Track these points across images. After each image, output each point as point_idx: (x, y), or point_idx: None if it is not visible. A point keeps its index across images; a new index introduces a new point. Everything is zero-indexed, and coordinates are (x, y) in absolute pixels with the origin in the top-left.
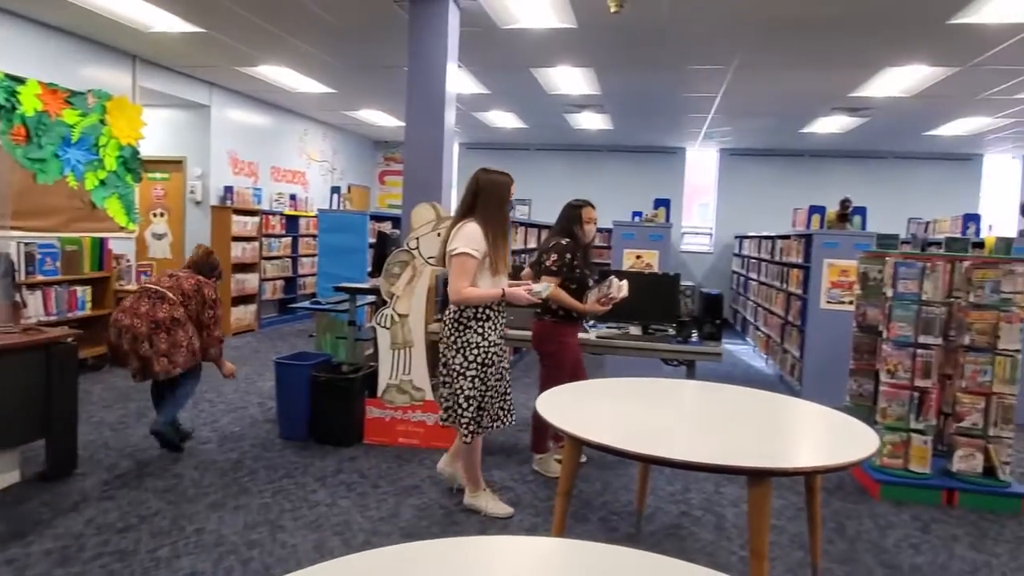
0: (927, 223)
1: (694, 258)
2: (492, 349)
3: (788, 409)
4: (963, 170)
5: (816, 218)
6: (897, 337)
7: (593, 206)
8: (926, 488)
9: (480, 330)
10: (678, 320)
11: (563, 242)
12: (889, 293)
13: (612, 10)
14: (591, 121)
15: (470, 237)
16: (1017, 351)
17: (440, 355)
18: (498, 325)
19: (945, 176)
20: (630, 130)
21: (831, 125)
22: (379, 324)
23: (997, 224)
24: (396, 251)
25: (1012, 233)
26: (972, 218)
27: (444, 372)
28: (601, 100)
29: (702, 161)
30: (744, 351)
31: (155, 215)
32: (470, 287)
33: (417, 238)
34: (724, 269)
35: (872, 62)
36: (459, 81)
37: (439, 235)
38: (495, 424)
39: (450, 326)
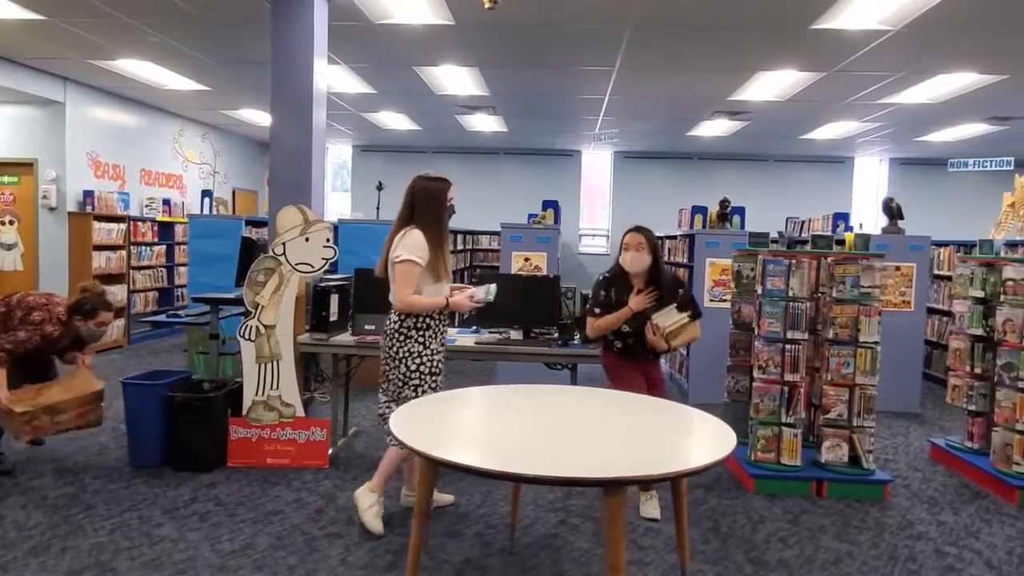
0: (803, 222)
1: (592, 260)
2: (435, 357)
3: (653, 412)
4: (836, 172)
5: (699, 218)
6: (767, 333)
7: (637, 230)
8: (797, 480)
9: (421, 339)
10: (559, 323)
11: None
12: (759, 290)
13: (487, 6)
14: (484, 123)
15: (414, 244)
16: (876, 343)
17: (381, 368)
18: (439, 334)
19: (821, 177)
20: (525, 132)
21: (715, 128)
22: (242, 336)
23: (867, 222)
24: (261, 258)
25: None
26: (841, 216)
27: (386, 386)
28: (491, 101)
29: (601, 163)
30: None
31: (3, 223)
32: (415, 295)
33: (284, 243)
34: None
35: (746, 66)
36: (341, 79)
37: (308, 240)
38: None
39: (391, 336)
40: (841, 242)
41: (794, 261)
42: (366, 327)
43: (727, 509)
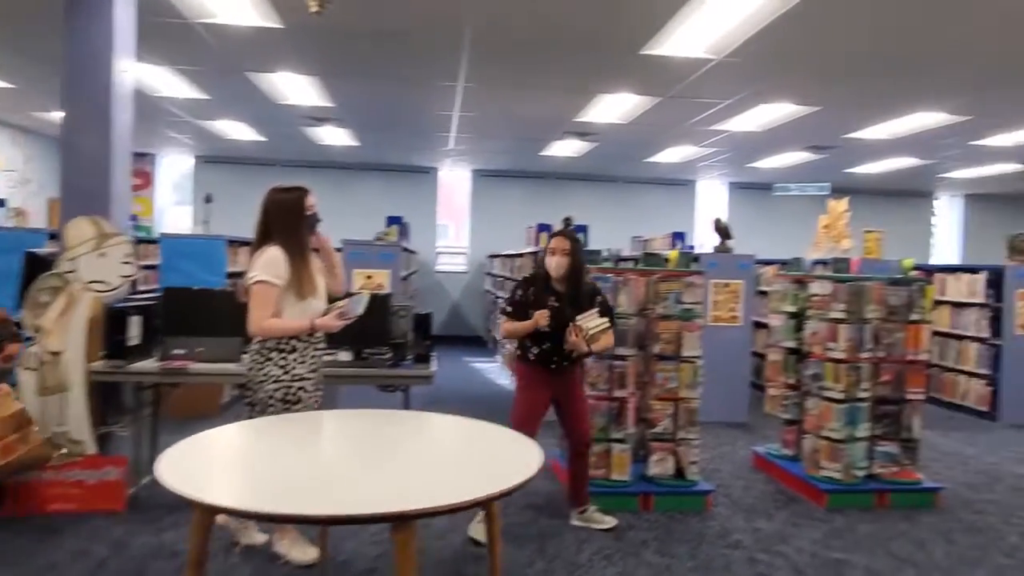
0: (645, 241)
1: (450, 278)
2: (296, 384)
3: (462, 434)
4: (681, 193)
5: (544, 236)
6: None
7: (562, 234)
8: (625, 495)
9: (282, 362)
10: (391, 342)
11: None
12: None
13: (312, 10)
14: (335, 136)
15: (269, 263)
16: (697, 357)
17: (244, 394)
18: (307, 357)
19: (667, 199)
20: (378, 147)
21: (566, 149)
22: (22, 366)
23: (707, 242)
24: (43, 276)
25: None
26: (679, 236)
27: (248, 413)
28: (338, 113)
29: (461, 181)
30: (492, 369)
31: None
32: (272, 319)
33: (74, 259)
34: (479, 288)
35: (585, 88)
36: (166, 82)
37: (103, 255)
38: None
39: (251, 359)
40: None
41: (622, 278)
42: (175, 351)
43: (556, 530)
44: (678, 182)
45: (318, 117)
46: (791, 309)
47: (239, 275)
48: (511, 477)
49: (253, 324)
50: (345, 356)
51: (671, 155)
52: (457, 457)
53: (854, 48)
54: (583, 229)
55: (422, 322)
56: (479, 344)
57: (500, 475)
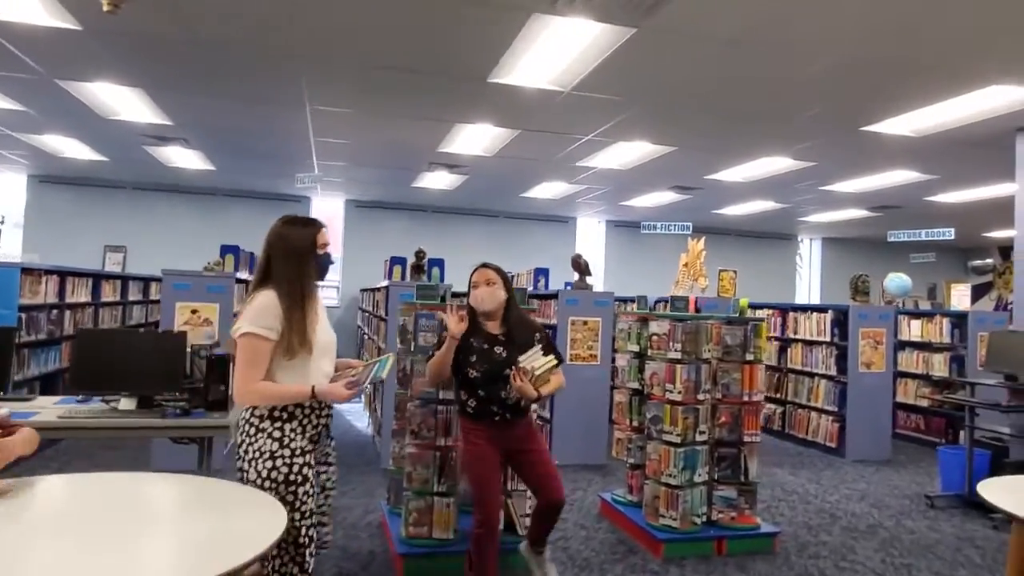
0: (513, 276)
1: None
2: (297, 460)
3: (193, 499)
4: (561, 230)
5: (398, 269)
6: (421, 393)
7: (486, 266)
8: (446, 555)
9: (278, 433)
10: (187, 387)
11: None
12: (412, 346)
13: (105, 8)
14: (184, 158)
15: (260, 311)
16: (370, 387)
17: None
18: (308, 428)
19: (547, 235)
20: (236, 172)
21: (438, 181)
22: None
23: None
24: None
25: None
26: (541, 271)
27: None
28: (179, 132)
29: (336, 211)
30: (355, 411)
31: None
32: (262, 382)
33: None
34: (351, 324)
35: (442, 117)
36: None
37: None
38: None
39: (240, 431)
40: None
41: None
42: None
43: None
44: (557, 218)
45: (159, 136)
46: (635, 348)
47: (34, 308)
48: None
49: (238, 387)
50: (128, 404)
51: (545, 191)
52: (182, 529)
53: (695, 87)
54: (439, 263)
55: (216, 364)
56: None
57: (203, 555)
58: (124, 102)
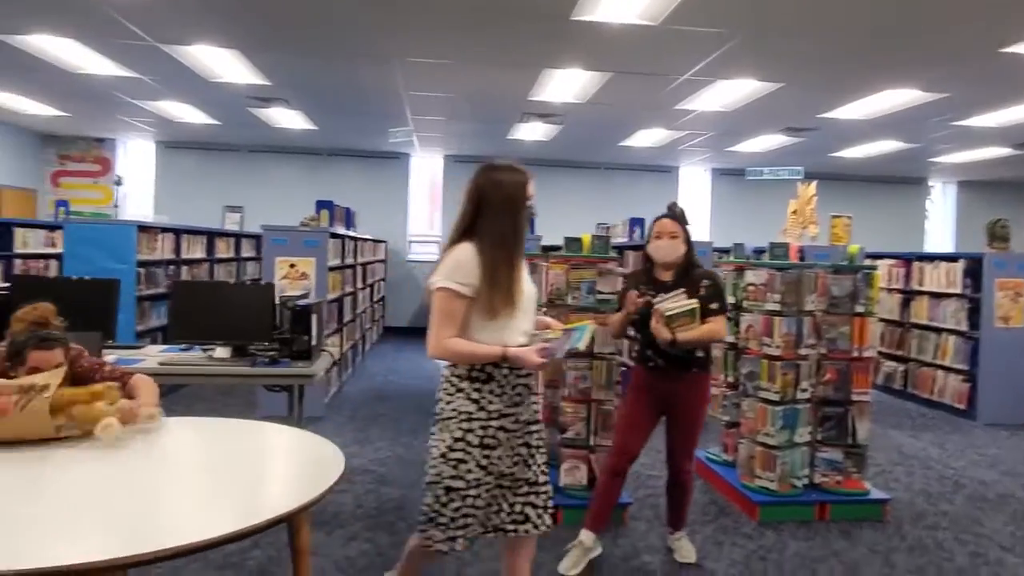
0: (607, 228)
1: (421, 268)
2: (493, 424)
3: (258, 442)
4: (663, 180)
5: None
6: None
7: (670, 217)
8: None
9: (476, 394)
10: (278, 337)
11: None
12: None
13: None
14: (288, 119)
15: (456, 265)
16: (612, 355)
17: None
18: (507, 390)
19: (648, 186)
20: (338, 132)
21: (533, 132)
22: None
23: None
24: None
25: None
26: (637, 222)
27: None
28: (280, 92)
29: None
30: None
31: None
32: (454, 338)
33: None
34: None
35: (530, 62)
36: (76, 54)
37: None
38: (488, 529)
39: (441, 386)
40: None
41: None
42: None
43: None
44: (660, 168)
45: (260, 97)
46: (731, 300)
47: (152, 264)
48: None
49: (431, 341)
50: (223, 352)
51: (645, 139)
52: (240, 471)
53: (806, 11)
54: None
55: (300, 316)
56: None
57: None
58: (224, 64)
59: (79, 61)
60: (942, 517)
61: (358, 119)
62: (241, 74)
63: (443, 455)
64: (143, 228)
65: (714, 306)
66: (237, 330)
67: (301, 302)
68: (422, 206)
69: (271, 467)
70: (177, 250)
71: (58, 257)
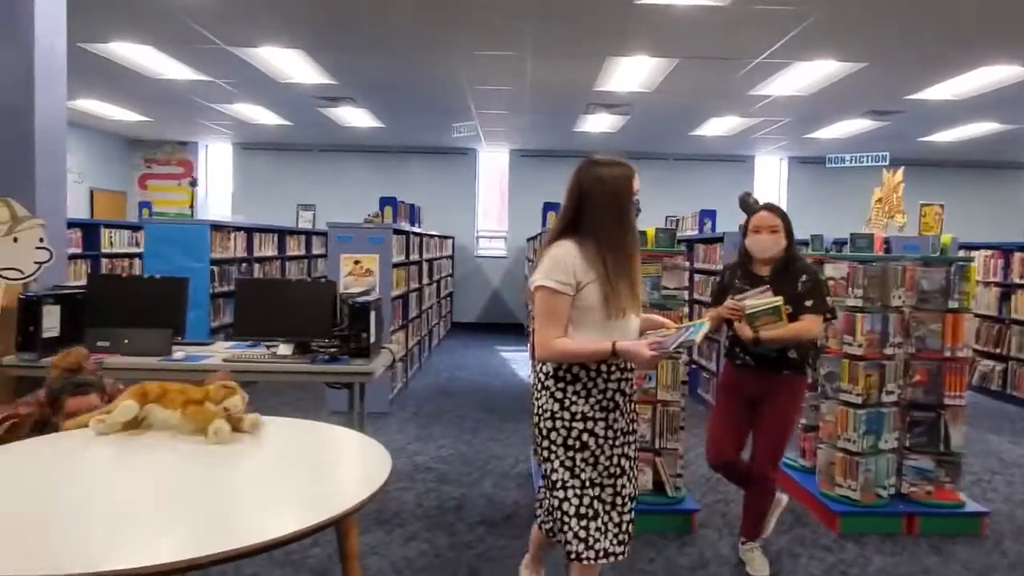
0: (676, 220)
1: (489, 263)
2: (577, 426)
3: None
4: (738, 170)
5: (552, 215)
6: None
7: (770, 209)
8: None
9: (561, 394)
10: (338, 334)
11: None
12: None
13: None
14: (356, 117)
15: (556, 263)
16: (680, 353)
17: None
18: (595, 391)
19: (722, 176)
20: (404, 128)
21: (600, 124)
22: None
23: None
24: None
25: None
26: (708, 214)
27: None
28: (344, 91)
29: (501, 162)
30: (519, 359)
31: None
32: (560, 339)
33: None
34: (519, 273)
35: (594, 51)
36: (159, 63)
37: (16, 240)
38: (609, 549)
39: (533, 386)
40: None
41: None
42: (99, 344)
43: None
44: (734, 158)
45: (327, 96)
46: None
47: (226, 262)
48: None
49: (538, 341)
50: (286, 349)
51: (717, 127)
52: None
53: None
54: None
55: (359, 313)
56: (517, 332)
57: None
58: (291, 64)
59: (158, 67)
60: None
61: (423, 115)
62: (308, 74)
63: (548, 459)
64: (216, 227)
65: (808, 303)
66: (299, 327)
67: (360, 299)
68: (491, 201)
69: (316, 469)
70: (249, 248)
71: (140, 256)
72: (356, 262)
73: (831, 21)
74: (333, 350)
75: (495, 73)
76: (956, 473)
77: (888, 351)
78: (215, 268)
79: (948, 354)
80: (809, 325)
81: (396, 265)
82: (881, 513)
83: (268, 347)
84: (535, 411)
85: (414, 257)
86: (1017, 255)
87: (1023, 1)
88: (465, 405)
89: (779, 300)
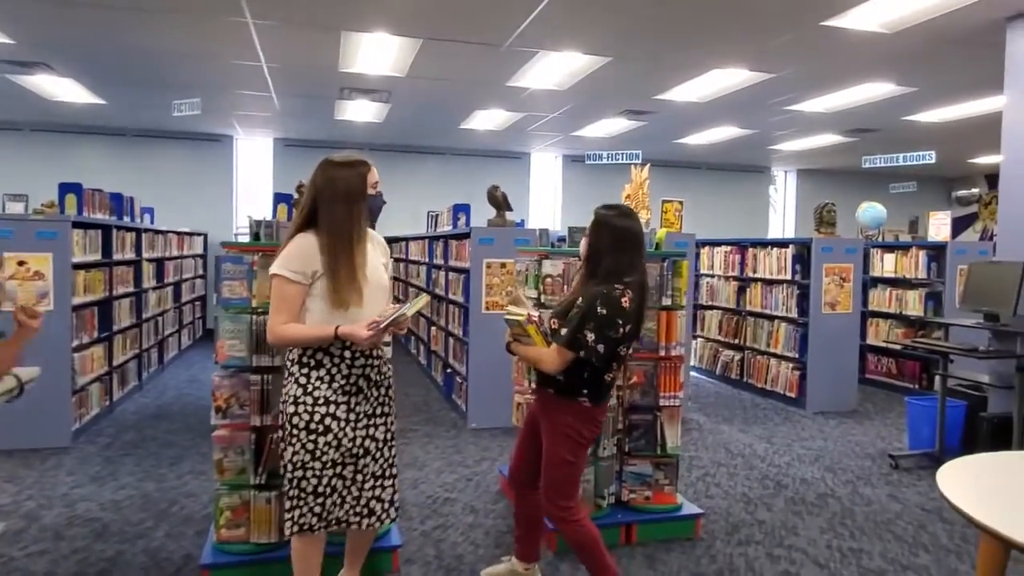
0: (436, 215)
1: None
2: (319, 410)
3: None
4: (514, 167)
5: (282, 208)
6: (227, 360)
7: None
8: (261, 564)
9: (304, 379)
10: None
11: None
12: (215, 299)
13: None
14: (66, 91)
15: (292, 254)
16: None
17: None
18: (338, 375)
19: (500, 172)
20: (133, 108)
21: (362, 112)
22: None
23: (547, 219)
24: None
25: (557, 225)
26: (461, 208)
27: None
28: (32, 55)
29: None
30: None
31: None
32: (286, 325)
33: None
34: None
35: (324, 25)
36: None
37: None
38: (330, 523)
39: (284, 374)
40: None
41: (255, 260)
42: None
43: None
44: (511, 155)
45: (15, 61)
46: (533, 294)
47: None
48: None
49: (268, 328)
50: None
51: (486, 121)
52: None
53: None
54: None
55: None
56: None
57: None
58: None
59: None
60: (757, 528)
61: (149, 92)
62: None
63: (285, 440)
64: None
65: (562, 331)
66: None
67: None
68: (261, 195)
69: None
70: None
71: None
72: (20, 263)
73: (568, 9)
74: None
75: (217, 42)
76: (674, 475)
77: None
78: None
79: (663, 352)
80: (547, 355)
81: (84, 266)
82: (599, 526)
83: None
84: (281, 398)
85: (127, 256)
86: (751, 251)
87: (744, 4)
88: (177, 431)
89: (521, 315)
